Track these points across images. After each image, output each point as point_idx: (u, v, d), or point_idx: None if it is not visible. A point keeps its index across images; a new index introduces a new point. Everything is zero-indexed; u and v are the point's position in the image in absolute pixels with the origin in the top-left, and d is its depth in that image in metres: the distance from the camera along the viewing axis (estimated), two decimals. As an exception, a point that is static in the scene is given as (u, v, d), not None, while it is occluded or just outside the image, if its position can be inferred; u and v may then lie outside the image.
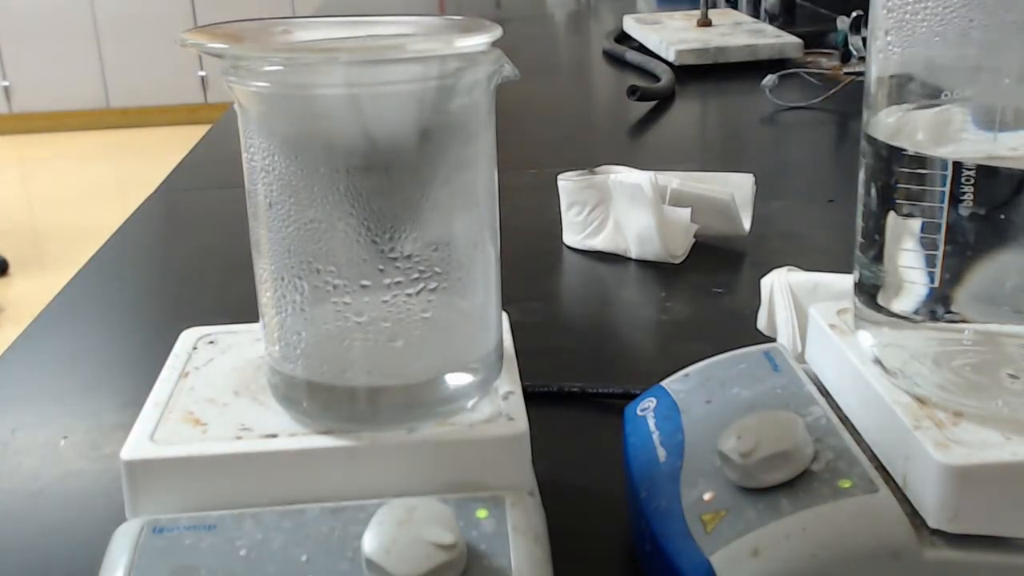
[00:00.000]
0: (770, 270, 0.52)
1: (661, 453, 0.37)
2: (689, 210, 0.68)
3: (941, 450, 0.30)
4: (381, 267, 0.32)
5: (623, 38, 1.43)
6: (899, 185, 0.33)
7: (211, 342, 0.39)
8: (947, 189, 0.32)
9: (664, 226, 0.67)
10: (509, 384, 0.36)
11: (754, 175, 0.71)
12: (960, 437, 0.31)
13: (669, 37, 1.30)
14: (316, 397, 0.34)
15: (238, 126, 0.34)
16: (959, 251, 0.32)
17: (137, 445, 0.33)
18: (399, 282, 0.32)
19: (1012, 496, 0.30)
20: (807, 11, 1.59)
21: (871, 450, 0.34)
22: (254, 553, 0.31)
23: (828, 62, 1.22)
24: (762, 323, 0.53)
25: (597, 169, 0.71)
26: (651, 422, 0.39)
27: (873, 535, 0.31)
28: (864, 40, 1.07)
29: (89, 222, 3.01)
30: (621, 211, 0.68)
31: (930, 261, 0.33)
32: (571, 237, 0.71)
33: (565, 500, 0.40)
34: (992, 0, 0.31)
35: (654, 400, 0.40)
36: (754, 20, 1.43)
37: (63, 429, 0.51)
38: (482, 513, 0.32)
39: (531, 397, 0.36)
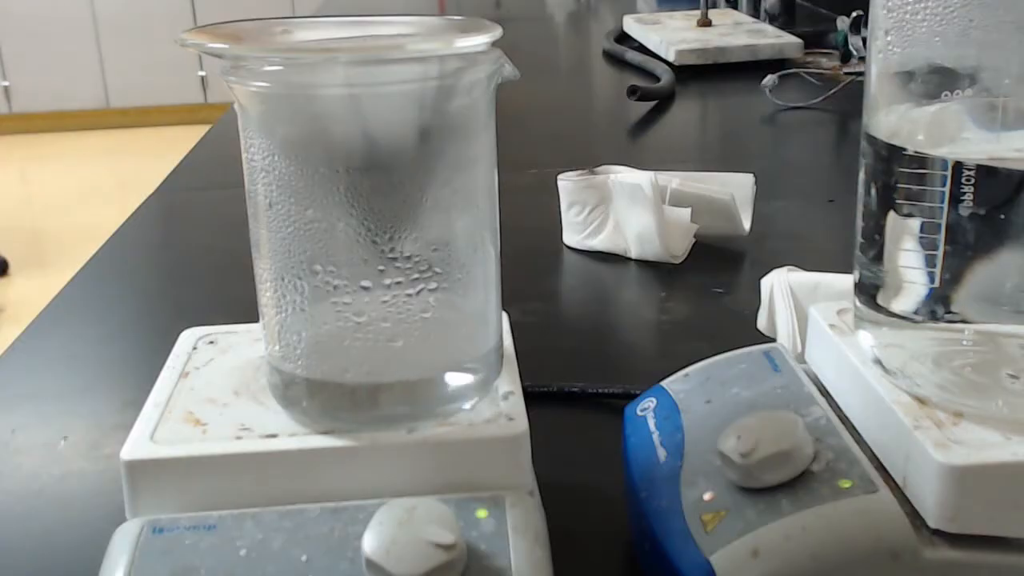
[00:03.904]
0: (770, 270, 0.52)
1: (661, 453, 0.37)
2: (689, 210, 0.68)
3: (941, 450, 0.30)
4: (381, 267, 0.32)
5: (623, 38, 1.43)
6: (899, 185, 0.33)
7: (211, 342, 0.39)
8: (947, 189, 0.32)
9: (664, 226, 0.67)
10: (509, 384, 0.36)
11: (754, 175, 0.71)
12: (960, 437, 0.31)
13: (669, 37, 1.30)
14: (316, 397, 0.34)
15: (238, 126, 0.34)
16: (959, 251, 0.32)
17: (137, 445, 0.33)
18: (399, 282, 0.33)
19: (1012, 496, 0.30)
20: (807, 11, 1.59)
21: (871, 450, 0.34)
22: (254, 553, 0.31)
23: (828, 62, 1.22)
24: (762, 323, 0.53)
25: (597, 169, 0.71)
26: (651, 422, 0.39)
27: (873, 535, 0.31)
28: (864, 40, 1.07)
29: (89, 222, 3.01)
30: (621, 211, 0.68)
31: (930, 261, 0.33)
32: (571, 237, 0.71)
33: (565, 500, 0.40)
34: (992, 0, 0.31)
35: (654, 400, 0.40)
36: (754, 20, 1.43)
37: (63, 429, 0.51)
38: (482, 513, 0.32)
39: (531, 397, 0.36)
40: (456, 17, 0.34)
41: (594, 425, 0.50)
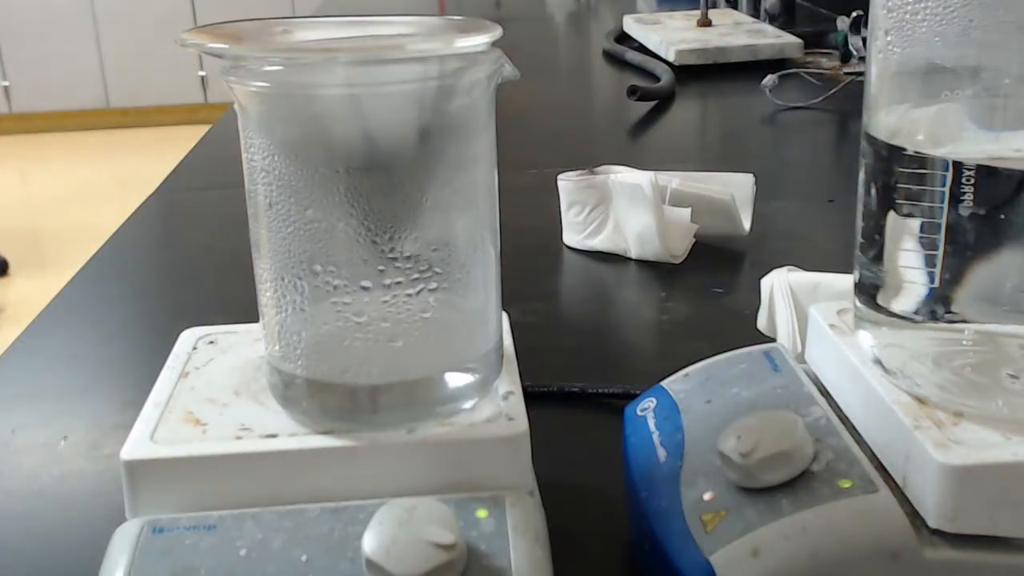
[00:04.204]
0: (770, 270, 0.52)
1: (661, 453, 0.37)
2: (689, 210, 0.68)
3: (941, 450, 0.30)
4: (381, 267, 0.32)
5: (623, 38, 1.43)
6: (899, 185, 0.33)
7: (211, 342, 0.39)
8: (947, 189, 0.32)
9: (664, 226, 0.67)
10: (509, 384, 0.36)
11: (754, 175, 0.71)
12: (960, 437, 0.31)
13: (669, 37, 1.30)
14: (316, 397, 0.34)
15: (238, 126, 0.34)
16: (959, 251, 0.32)
17: (137, 445, 0.33)
18: (399, 282, 0.33)
19: (1012, 496, 0.30)
20: (807, 11, 1.59)
21: (871, 450, 0.34)
22: (254, 553, 0.31)
23: (828, 62, 1.22)
24: (762, 323, 0.53)
25: (597, 169, 0.71)
26: (651, 422, 0.39)
27: (873, 535, 0.31)
28: (864, 40, 1.07)
29: (89, 222, 3.01)
30: (621, 211, 0.68)
31: (930, 261, 0.33)
32: (571, 237, 0.71)
33: (565, 500, 0.40)
34: (992, 0, 0.31)
35: (654, 400, 0.40)
36: (754, 20, 1.43)
37: (63, 429, 0.51)
38: (482, 513, 0.32)
39: (531, 397, 0.36)
40: (456, 17, 0.34)
41: (594, 425, 0.50)
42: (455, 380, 0.34)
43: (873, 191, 0.35)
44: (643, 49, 1.34)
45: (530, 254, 0.70)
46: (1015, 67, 0.31)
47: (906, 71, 0.34)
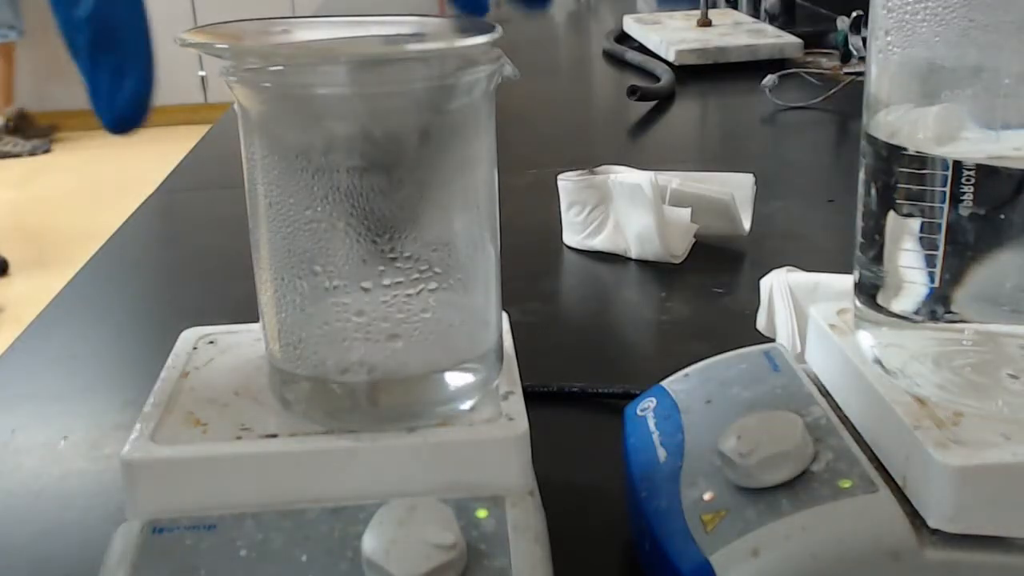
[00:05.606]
0: (770, 270, 0.52)
1: (661, 453, 0.37)
2: (689, 210, 0.68)
3: (941, 450, 0.30)
4: (381, 267, 0.32)
5: (623, 38, 1.43)
6: (899, 185, 0.33)
7: (211, 342, 0.39)
8: (947, 189, 0.32)
9: (664, 226, 0.67)
10: (509, 384, 0.36)
11: (754, 175, 0.71)
12: (960, 437, 0.31)
13: (669, 37, 1.30)
14: (316, 397, 0.34)
15: (238, 126, 0.34)
16: (959, 251, 0.32)
17: (137, 445, 0.33)
18: (399, 282, 0.32)
19: (1012, 496, 0.30)
20: (807, 11, 1.59)
21: (871, 450, 0.34)
22: (254, 553, 0.31)
23: (828, 62, 1.22)
24: (762, 323, 0.53)
25: (597, 169, 0.71)
26: (651, 422, 0.39)
27: (873, 535, 0.31)
28: (864, 40, 1.07)
29: (89, 222, 3.01)
30: (621, 211, 0.68)
31: (930, 261, 0.33)
32: (571, 237, 0.71)
33: (565, 500, 0.40)
34: (992, 0, 0.31)
35: (654, 400, 0.40)
36: (754, 20, 1.43)
37: (63, 429, 0.51)
38: (482, 513, 0.32)
39: (531, 397, 0.36)
40: (456, 17, 0.34)
41: (594, 425, 0.50)
42: (455, 380, 0.34)
43: (873, 191, 0.35)
44: (643, 49, 1.34)
45: (530, 254, 0.70)
46: (1015, 67, 0.31)
47: (906, 71, 0.34)
